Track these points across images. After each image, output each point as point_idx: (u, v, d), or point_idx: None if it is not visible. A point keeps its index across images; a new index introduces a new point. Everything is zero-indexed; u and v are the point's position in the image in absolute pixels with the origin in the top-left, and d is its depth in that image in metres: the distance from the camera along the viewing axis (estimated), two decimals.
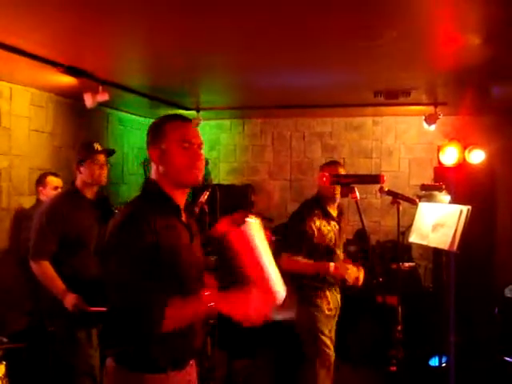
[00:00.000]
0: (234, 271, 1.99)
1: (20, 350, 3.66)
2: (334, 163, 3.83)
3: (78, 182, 3.62)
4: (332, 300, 3.76)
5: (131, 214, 1.99)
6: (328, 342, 3.71)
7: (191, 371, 2.17)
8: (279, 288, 2.06)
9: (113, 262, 1.95)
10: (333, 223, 3.78)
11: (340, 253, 3.83)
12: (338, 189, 3.61)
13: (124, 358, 2.02)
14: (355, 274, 3.66)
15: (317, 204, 3.77)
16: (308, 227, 3.62)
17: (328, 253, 3.71)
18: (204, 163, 2.15)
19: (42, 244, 3.44)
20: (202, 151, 2.13)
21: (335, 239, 3.77)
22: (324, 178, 2.47)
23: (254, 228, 2.03)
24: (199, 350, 2.20)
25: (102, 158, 3.62)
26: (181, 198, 2.13)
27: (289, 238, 3.71)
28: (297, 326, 3.72)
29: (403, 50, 3.76)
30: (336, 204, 3.82)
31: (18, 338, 3.59)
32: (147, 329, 1.88)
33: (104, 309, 3.36)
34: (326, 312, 3.70)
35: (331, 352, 3.72)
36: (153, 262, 1.90)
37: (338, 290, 3.86)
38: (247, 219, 2.02)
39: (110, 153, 3.75)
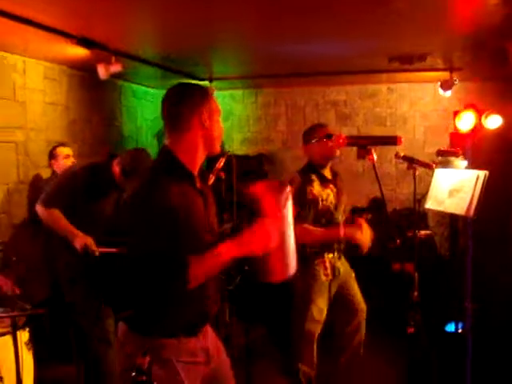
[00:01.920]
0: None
1: (41, 319, 3.74)
2: (321, 126, 3.84)
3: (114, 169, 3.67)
4: (330, 266, 3.72)
5: (150, 181, 2.03)
6: (316, 313, 3.69)
7: (205, 338, 2.18)
8: (292, 263, 2.09)
9: (134, 227, 1.99)
10: (331, 186, 3.77)
11: (339, 216, 3.80)
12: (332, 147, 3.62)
13: (136, 322, 2.06)
14: (368, 235, 3.64)
15: (312, 170, 3.74)
16: (310, 195, 3.61)
17: (330, 217, 3.70)
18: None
19: (57, 195, 3.54)
20: None
21: (334, 202, 3.75)
22: (340, 140, 2.45)
23: (288, 198, 2.06)
24: (212, 315, 2.21)
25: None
26: (196, 166, 2.16)
27: (295, 206, 3.68)
28: (293, 291, 3.74)
29: (418, 13, 3.69)
30: (328, 167, 3.80)
31: (38, 307, 3.66)
32: (177, 288, 1.92)
33: (114, 250, 3.44)
34: (323, 278, 3.67)
35: (319, 325, 3.72)
36: (173, 227, 1.94)
37: (342, 257, 3.84)
38: (285, 187, 2.05)
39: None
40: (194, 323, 2.11)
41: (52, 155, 4.78)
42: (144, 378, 1.56)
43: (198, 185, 2.17)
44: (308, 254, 3.65)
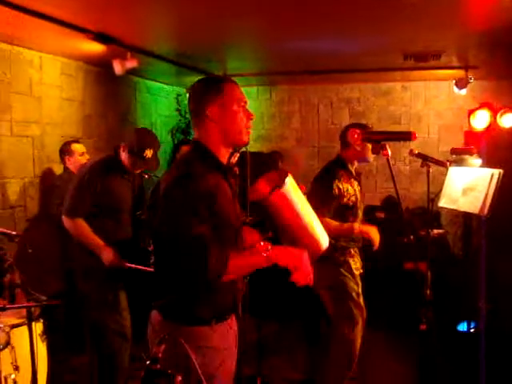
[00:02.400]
0: (276, 232, 2.04)
1: (56, 311, 3.78)
2: (361, 125, 3.81)
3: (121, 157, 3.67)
4: (358, 260, 3.78)
5: (187, 170, 2.03)
6: (359, 301, 3.72)
7: (232, 322, 2.23)
8: (324, 237, 2.13)
9: (172, 216, 1.98)
10: (355, 182, 3.79)
11: (361, 213, 3.83)
12: (370, 153, 3.63)
13: (169, 310, 2.09)
14: (377, 235, 3.67)
15: (340, 165, 3.75)
16: (335, 189, 3.62)
17: (353, 213, 3.72)
18: (253, 118, 2.20)
19: (78, 203, 3.52)
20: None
21: (358, 198, 3.77)
22: (356, 135, 2.46)
23: (292, 185, 2.05)
24: (238, 304, 2.25)
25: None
26: (224, 158, 2.17)
27: (316, 200, 3.69)
28: (322, 286, 3.74)
29: (434, 9, 3.68)
30: (355, 164, 3.82)
31: (53, 299, 3.70)
32: (212, 277, 1.92)
33: (140, 267, 3.48)
34: (354, 272, 3.72)
35: (362, 311, 3.73)
36: (212, 214, 1.96)
37: (359, 252, 3.88)
38: (286, 179, 2.03)
39: (154, 166, 3.71)
40: (224, 310, 2.15)
41: (66, 152, 4.79)
42: (158, 366, 1.58)
43: (228, 176, 2.18)
44: (335, 251, 3.67)
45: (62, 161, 4.84)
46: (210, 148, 2.11)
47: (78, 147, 4.80)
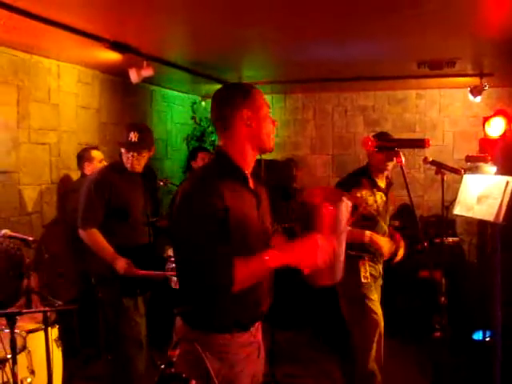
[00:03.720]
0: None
1: (72, 317, 3.81)
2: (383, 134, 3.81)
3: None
4: (369, 269, 3.75)
5: (202, 180, 2.05)
6: (374, 307, 3.70)
7: (256, 333, 2.21)
8: (340, 270, 2.11)
9: (185, 226, 2.00)
10: (380, 194, 3.76)
11: (384, 224, 3.80)
12: (390, 164, 3.64)
13: (191, 317, 2.09)
14: (389, 246, 3.65)
15: (364, 174, 3.76)
16: (353, 198, 3.60)
17: (371, 225, 3.70)
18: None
19: (90, 212, 3.55)
20: None
21: (380, 210, 3.75)
22: (369, 142, 2.46)
23: (345, 210, 2.05)
24: (265, 312, 2.21)
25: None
26: (249, 165, 2.16)
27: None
28: (339, 293, 3.75)
29: (448, 17, 3.69)
30: (385, 175, 3.81)
31: (69, 305, 3.73)
32: (221, 290, 1.93)
33: (153, 272, 3.50)
34: (362, 280, 3.70)
35: (379, 317, 3.70)
36: (222, 227, 1.94)
37: (380, 260, 3.85)
38: (344, 198, 2.03)
39: (143, 145, 3.64)
40: (247, 319, 2.13)
41: (86, 158, 4.84)
42: (173, 370, 1.59)
43: (252, 185, 2.17)
44: (351, 255, 3.67)
45: (80, 166, 4.89)
46: (233, 155, 2.11)
47: (97, 154, 4.87)
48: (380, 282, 3.87)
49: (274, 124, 2.17)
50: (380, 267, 3.84)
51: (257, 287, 2.06)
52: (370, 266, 3.74)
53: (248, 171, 2.15)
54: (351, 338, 3.78)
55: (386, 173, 3.81)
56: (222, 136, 2.15)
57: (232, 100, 2.11)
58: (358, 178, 3.73)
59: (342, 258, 2.13)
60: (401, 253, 3.77)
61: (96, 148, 5.00)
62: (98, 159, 4.82)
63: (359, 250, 3.70)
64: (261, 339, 2.26)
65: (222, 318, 2.05)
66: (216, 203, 1.94)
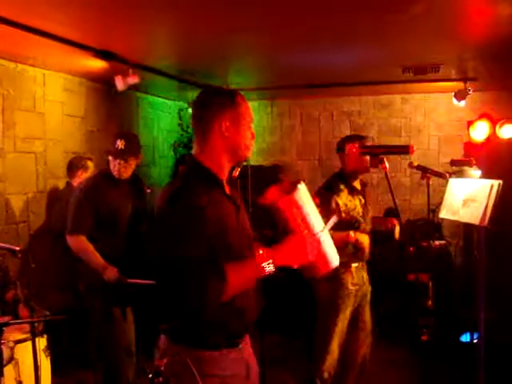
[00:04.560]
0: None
1: (60, 326, 3.79)
2: (358, 137, 3.82)
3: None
4: (357, 275, 3.77)
5: (179, 190, 1.97)
6: (342, 321, 3.71)
7: (246, 348, 2.14)
8: (335, 255, 2.11)
9: (164, 238, 1.93)
10: (358, 197, 3.78)
11: (366, 226, 3.82)
12: (368, 161, 3.63)
13: (177, 334, 2.02)
14: (368, 242, 3.67)
15: (341, 179, 3.76)
16: (333, 203, 3.62)
17: (357, 226, 3.72)
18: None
19: (79, 219, 3.55)
20: None
21: (361, 212, 3.77)
22: (354, 149, 2.49)
23: (304, 194, 2.04)
24: (253, 324, 2.15)
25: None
26: (225, 173, 2.10)
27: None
28: (318, 299, 3.76)
29: (432, 23, 3.72)
30: (359, 178, 3.83)
31: (57, 314, 3.71)
32: (212, 300, 1.86)
33: (142, 281, 3.49)
34: (350, 287, 3.70)
35: (342, 333, 3.73)
36: (203, 236, 1.88)
37: (364, 267, 3.87)
38: (297, 185, 2.02)
39: (130, 152, 3.65)
40: (235, 334, 2.06)
41: (82, 166, 4.78)
42: (161, 379, 1.59)
43: (228, 191, 2.10)
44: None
45: (72, 175, 4.83)
46: (207, 163, 2.04)
47: (92, 165, 4.84)
48: (367, 288, 3.88)
49: (253, 137, 2.10)
50: (365, 274, 3.86)
51: (244, 298, 2.00)
52: (356, 272, 3.76)
53: (224, 178, 2.10)
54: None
55: (359, 176, 3.83)
56: (197, 140, 2.08)
57: (212, 105, 2.04)
58: (335, 185, 3.73)
59: (330, 241, 2.12)
60: (397, 230, 3.79)
61: (90, 159, 4.96)
62: (92, 170, 4.80)
63: (345, 256, 3.71)
64: (250, 357, 2.17)
65: (209, 333, 1.97)
66: (195, 213, 1.88)
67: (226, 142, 2.03)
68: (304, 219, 2.01)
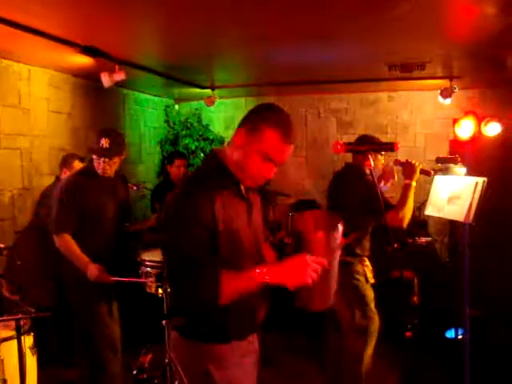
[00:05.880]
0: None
1: (46, 324, 3.76)
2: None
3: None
4: (370, 269, 3.84)
5: (190, 188, 1.99)
6: (374, 309, 3.78)
7: (253, 340, 2.20)
8: (331, 296, 2.09)
9: (170, 235, 1.96)
10: None
11: None
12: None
13: (186, 329, 2.07)
14: None
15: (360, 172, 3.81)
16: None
17: None
18: (271, 177, 2.05)
19: (63, 218, 3.54)
20: (276, 168, 2.04)
21: None
22: (338, 146, 2.49)
23: (338, 236, 1.99)
24: (261, 323, 2.19)
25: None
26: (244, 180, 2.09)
27: (372, 201, 3.65)
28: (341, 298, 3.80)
29: (418, 21, 3.75)
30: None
31: (42, 311, 3.70)
32: (204, 303, 1.90)
33: (125, 279, 3.49)
34: (370, 280, 3.78)
35: (377, 319, 3.78)
36: (210, 236, 1.91)
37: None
38: (339, 226, 1.96)
39: (114, 151, 3.63)
40: (243, 330, 2.12)
41: (68, 164, 4.67)
42: (145, 376, 1.59)
43: (244, 191, 2.10)
44: (352, 257, 3.74)
45: (61, 171, 4.78)
46: (228, 160, 2.03)
47: (79, 165, 4.74)
48: None
49: (266, 174, 2.00)
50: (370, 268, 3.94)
51: (253, 298, 2.01)
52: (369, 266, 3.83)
53: (245, 183, 2.07)
54: (344, 338, 3.82)
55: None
56: (230, 141, 2.08)
57: (250, 115, 2.01)
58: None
59: (334, 283, 2.08)
60: None
61: (81, 159, 4.88)
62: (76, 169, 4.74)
63: (362, 250, 3.76)
64: (258, 346, 2.24)
65: (216, 329, 2.03)
66: (203, 213, 1.89)
67: (235, 154, 2.01)
68: (326, 255, 1.95)
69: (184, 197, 1.96)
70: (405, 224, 3.21)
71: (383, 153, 3.64)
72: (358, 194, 3.67)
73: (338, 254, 2.03)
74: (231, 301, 1.91)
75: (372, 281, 3.78)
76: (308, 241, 1.96)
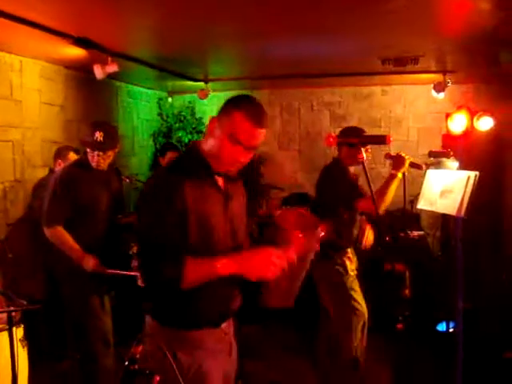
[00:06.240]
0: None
1: (36, 316, 3.75)
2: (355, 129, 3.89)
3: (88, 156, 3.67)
4: (354, 260, 3.85)
5: (165, 176, 2.05)
6: (359, 298, 3.78)
7: (228, 330, 2.21)
8: (293, 296, 2.10)
9: (140, 221, 2.02)
10: None
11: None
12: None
13: (159, 314, 2.10)
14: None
15: (341, 165, 3.84)
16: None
17: None
18: (246, 163, 2.07)
19: (55, 210, 3.52)
20: (251, 153, 2.04)
21: None
22: (331, 139, 2.49)
23: (315, 240, 2.01)
24: (234, 311, 2.21)
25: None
26: (221, 168, 2.10)
27: (351, 188, 3.72)
28: (323, 288, 3.81)
29: (412, 15, 3.74)
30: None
31: (34, 304, 3.69)
32: (167, 284, 1.95)
33: (120, 272, 3.49)
34: (350, 272, 3.79)
35: (364, 309, 3.79)
36: (178, 222, 1.94)
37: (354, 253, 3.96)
38: (319, 230, 1.98)
39: (109, 145, 3.61)
40: (216, 316, 2.13)
41: (63, 155, 4.65)
42: (136, 366, 1.60)
43: (222, 183, 2.13)
44: (334, 249, 3.75)
45: (55, 163, 4.76)
46: (205, 151, 2.07)
47: (74, 157, 4.72)
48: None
49: (238, 158, 2.01)
50: (355, 258, 3.96)
51: (226, 284, 2.03)
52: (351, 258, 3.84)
53: (221, 170, 2.09)
54: (333, 328, 3.86)
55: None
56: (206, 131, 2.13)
57: (224, 104, 2.05)
58: (342, 168, 3.82)
59: (299, 284, 2.09)
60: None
61: (76, 151, 4.85)
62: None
63: (343, 243, 3.78)
64: (232, 337, 2.26)
65: (190, 314, 2.05)
66: (175, 201, 1.94)
67: (209, 142, 2.06)
68: (300, 258, 1.97)
69: (155, 183, 2.06)
70: (379, 211, 3.23)
71: (369, 147, 3.65)
72: (330, 184, 3.80)
73: (310, 257, 2.04)
74: (194, 285, 1.94)
75: (352, 273, 3.79)
76: (285, 238, 1.98)
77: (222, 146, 2.00)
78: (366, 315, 3.79)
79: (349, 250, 3.85)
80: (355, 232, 3.86)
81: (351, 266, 3.82)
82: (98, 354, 3.60)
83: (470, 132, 5.27)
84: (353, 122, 7.28)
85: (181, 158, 2.18)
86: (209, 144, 2.06)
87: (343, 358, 3.81)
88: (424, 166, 3.80)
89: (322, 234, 2.03)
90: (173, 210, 1.94)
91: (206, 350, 2.08)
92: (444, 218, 5.48)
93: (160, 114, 7.70)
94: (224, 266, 1.93)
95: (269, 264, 1.91)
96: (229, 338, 2.22)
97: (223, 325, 2.16)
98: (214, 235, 2.05)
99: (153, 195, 1.99)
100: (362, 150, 2.45)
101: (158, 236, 1.93)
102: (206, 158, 2.07)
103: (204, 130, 7.45)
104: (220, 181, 2.13)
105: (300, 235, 1.97)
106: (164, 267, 1.91)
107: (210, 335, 2.10)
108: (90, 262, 3.44)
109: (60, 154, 4.68)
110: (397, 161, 3.54)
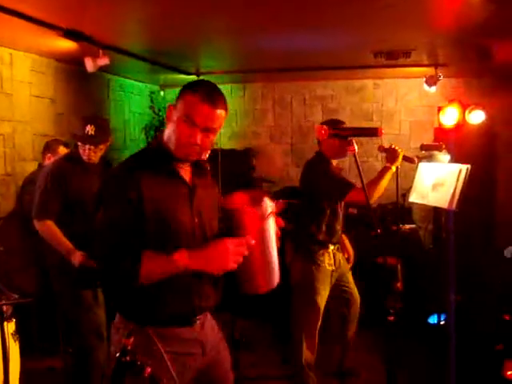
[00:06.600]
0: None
1: (29, 310, 3.75)
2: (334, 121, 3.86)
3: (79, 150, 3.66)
4: (334, 257, 3.83)
5: (119, 170, 2.05)
6: (319, 301, 3.77)
7: (202, 330, 2.14)
8: (274, 276, 2.03)
9: (100, 213, 1.97)
10: None
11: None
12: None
13: (121, 309, 2.05)
14: None
15: (325, 159, 3.82)
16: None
17: None
18: (206, 147, 2.03)
19: (46, 204, 3.51)
20: (210, 136, 2.01)
21: None
22: (322, 131, 2.48)
23: (269, 211, 1.97)
24: (205, 309, 2.14)
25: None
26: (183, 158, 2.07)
27: (337, 182, 3.69)
28: (293, 278, 3.81)
29: (404, 9, 3.74)
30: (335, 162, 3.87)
31: (25, 297, 3.68)
32: (123, 280, 1.91)
33: None
34: (327, 267, 3.76)
35: (320, 313, 3.79)
36: (134, 215, 1.90)
37: (340, 250, 3.93)
38: (265, 199, 1.96)
39: (100, 138, 3.60)
40: (182, 315, 2.05)
41: (52, 149, 4.61)
42: (128, 358, 1.59)
43: (187, 176, 2.09)
44: (313, 244, 3.74)
45: (44, 157, 4.73)
46: (166, 142, 2.04)
47: (64, 151, 4.70)
48: (345, 268, 3.98)
49: (193, 139, 1.96)
50: (341, 256, 3.93)
51: (191, 280, 1.98)
52: (333, 253, 3.83)
53: (183, 162, 2.07)
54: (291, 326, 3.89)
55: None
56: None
57: (182, 92, 2.03)
58: (324, 161, 3.80)
59: (271, 263, 2.03)
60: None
61: (66, 145, 4.82)
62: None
63: (324, 238, 3.77)
64: (208, 338, 2.16)
65: (152, 311, 1.98)
66: (128, 195, 1.90)
67: (167, 127, 2.06)
68: (259, 233, 1.94)
69: (112, 175, 2.07)
70: (370, 201, 3.21)
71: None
72: (313, 179, 3.79)
73: (269, 225, 1.98)
74: (153, 281, 1.89)
75: (330, 268, 3.77)
76: (237, 218, 1.95)
77: (178, 129, 1.99)
78: (321, 314, 3.80)
79: (332, 246, 3.82)
80: (338, 227, 3.83)
81: (329, 261, 3.79)
82: (91, 347, 3.58)
83: (461, 125, 5.30)
84: (345, 116, 7.29)
85: (142, 150, 2.15)
86: (167, 131, 2.04)
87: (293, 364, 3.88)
88: (416, 160, 3.80)
89: (273, 203, 2.00)
90: (129, 205, 1.90)
91: (168, 352, 1.99)
92: (436, 211, 5.50)
93: (152, 108, 7.66)
94: (181, 260, 1.87)
95: (226, 254, 1.86)
96: (199, 340, 2.12)
97: (195, 324, 2.09)
98: (174, 224, 1.99)
99: (107, 190, 2.00)
100: (354, 142, 2.44)
101: (113, 230, 1.90)
102: (165, 145, 2.04)
103: None
104: (186, 173, 2.09)
105: (250, 209, 1.94)
106: (122, 264, 1.87)
107: (176, 335, 2.03)
108: (77, 257, 3.43)
109: (49, 147, 4.65)
110: (391, 154, 3.54)
